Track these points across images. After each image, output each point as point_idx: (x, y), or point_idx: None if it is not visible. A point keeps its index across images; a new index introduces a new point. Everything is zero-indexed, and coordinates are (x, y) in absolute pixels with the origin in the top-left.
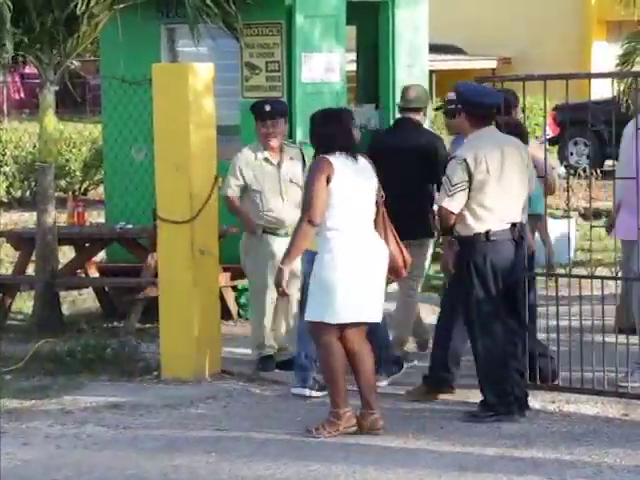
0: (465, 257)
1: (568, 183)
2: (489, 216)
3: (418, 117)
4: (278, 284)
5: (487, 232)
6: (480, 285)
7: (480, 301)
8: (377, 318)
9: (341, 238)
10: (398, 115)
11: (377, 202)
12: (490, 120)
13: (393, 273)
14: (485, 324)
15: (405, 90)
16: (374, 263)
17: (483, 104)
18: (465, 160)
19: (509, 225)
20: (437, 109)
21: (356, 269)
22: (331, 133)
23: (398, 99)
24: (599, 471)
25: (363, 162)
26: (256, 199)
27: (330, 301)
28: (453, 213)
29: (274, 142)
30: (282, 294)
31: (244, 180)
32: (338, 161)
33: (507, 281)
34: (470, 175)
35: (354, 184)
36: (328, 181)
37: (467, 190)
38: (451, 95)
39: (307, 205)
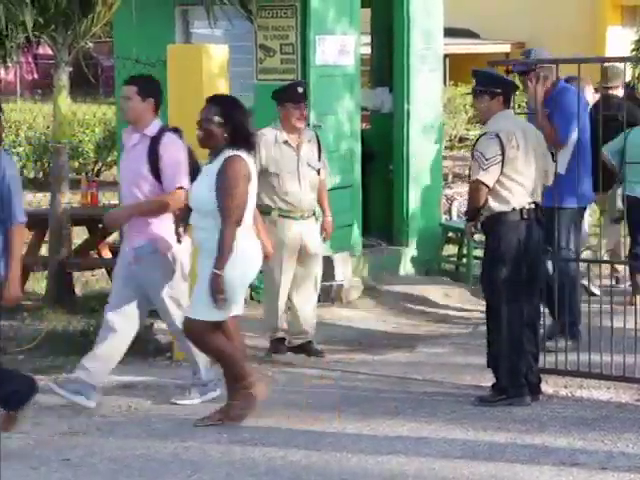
0: (494, 236)
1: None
2: (521, 191)
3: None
4: (219, 292)
5: (521, 209)
6: (506, 265)
7: (504, 281)
8: None
9: (239, 235)
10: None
11: None
12: (509, 104)
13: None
14: (508, 304)
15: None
16: (259, 255)
17: (514, 84)
18: (498, 135)
19: (533, 205)
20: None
21: (251, 263)
22: (244, 127)
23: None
24: (611, 456)
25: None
26: (273, 182)
27: (230, 298)
28: (488, 186)
29: (303, 124)
30: (222, 301)
31: (261, 162)
32: (249, 159)
33: (530, 263)
34: (503, 150)
35: (254, 180)
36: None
37: (500, 165)
38: None
39: (234, 209)
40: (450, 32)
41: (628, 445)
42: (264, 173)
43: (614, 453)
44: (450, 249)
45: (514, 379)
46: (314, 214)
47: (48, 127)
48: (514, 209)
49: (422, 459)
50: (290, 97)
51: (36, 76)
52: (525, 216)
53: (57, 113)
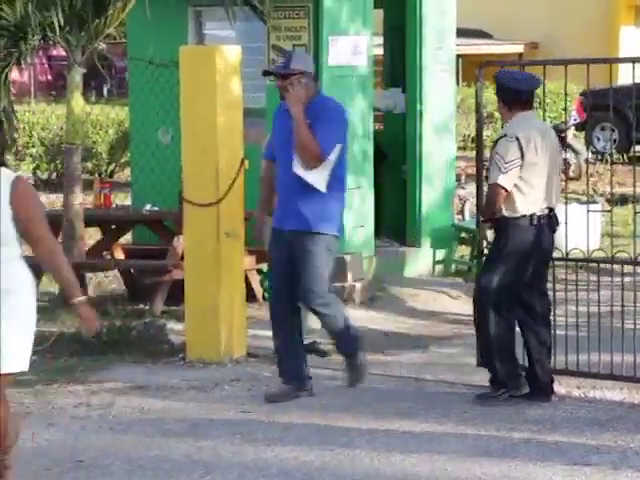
0: (505, 238)
1: (588, 169)
2: (536, 197)
3: None
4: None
5: (532, 216)
6: (505, 269)
7: (499, 283)
8: None
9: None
10: None
11: None
12: (529, 105)
13: None
14: (497, 305)
15: None
16: None
17: (517, 89)
18: (517, 138)
19: (547, 210)
20: None
21: None
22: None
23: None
24: (624, 457)
25: None
26: None
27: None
28: (507, 190)
29: None
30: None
31: None
32: None
33: (537, 265)
34: (522, 154)
35: None
36: None
37: (519, 168)
38: None
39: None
40: (462, 33)
41: None
42: None
43: (627, 453)
44: (463, 250)
45: (510, 372)
46: None
47: (62, 128)
48: (524, 216)
49: (435, 459)
50: None
51: (50, 77)
52: (535, 222)
53: (70, 114)
